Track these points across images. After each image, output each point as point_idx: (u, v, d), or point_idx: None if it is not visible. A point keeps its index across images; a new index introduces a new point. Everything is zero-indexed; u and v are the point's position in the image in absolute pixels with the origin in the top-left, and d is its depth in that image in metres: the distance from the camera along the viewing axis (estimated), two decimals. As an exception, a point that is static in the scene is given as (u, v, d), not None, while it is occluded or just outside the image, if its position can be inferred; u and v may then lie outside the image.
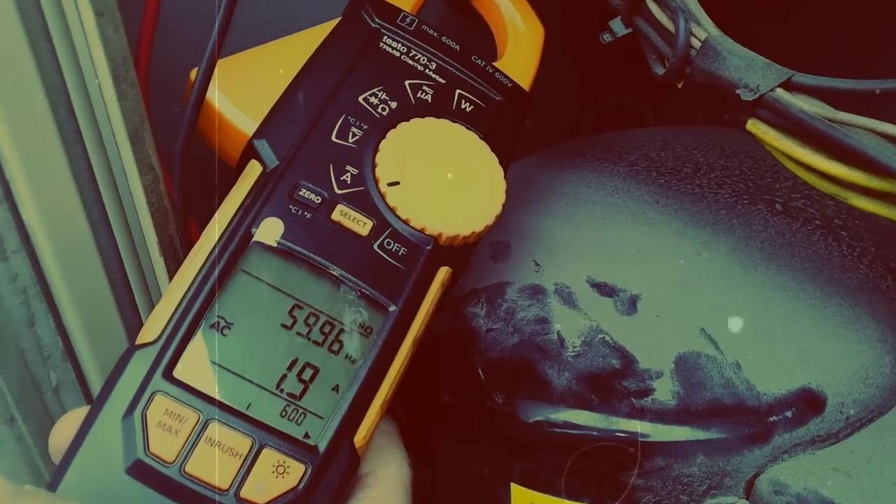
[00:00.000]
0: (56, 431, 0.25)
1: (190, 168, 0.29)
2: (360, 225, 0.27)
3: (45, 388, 0.33)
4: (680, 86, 0.30)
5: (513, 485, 0.32)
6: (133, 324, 0.34)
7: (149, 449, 0.23)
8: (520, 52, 0.35)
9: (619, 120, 0.53)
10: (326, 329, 0.26)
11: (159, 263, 0.30)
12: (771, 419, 0.29)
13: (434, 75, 0.31)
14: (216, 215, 0.27)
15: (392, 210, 0.28)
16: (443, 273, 0.28)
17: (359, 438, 0.26)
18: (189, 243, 0.27)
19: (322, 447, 0.25)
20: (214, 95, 0.29)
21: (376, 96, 0.30)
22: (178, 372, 0.25)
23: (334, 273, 0.26)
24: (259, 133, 0.28)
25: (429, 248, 0.28)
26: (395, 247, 0.27)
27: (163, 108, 0.31)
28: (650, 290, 0.33)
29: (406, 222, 0.28)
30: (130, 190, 0.29)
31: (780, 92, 0.27)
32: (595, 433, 0.30)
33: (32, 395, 0.33)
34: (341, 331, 0.26)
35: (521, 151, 0.42)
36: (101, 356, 0.34)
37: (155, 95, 0.31)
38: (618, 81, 0.51)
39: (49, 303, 0.31)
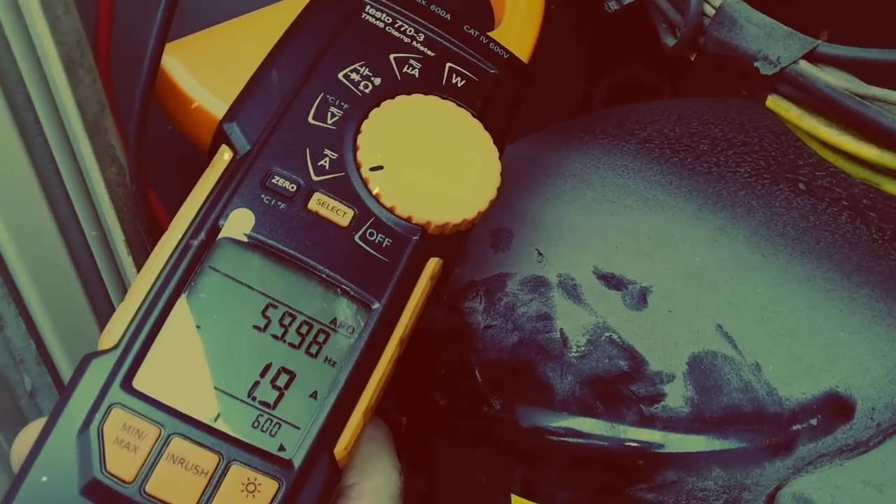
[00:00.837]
0: (18, 443, 0.24)
1: (166, 156, 0.27)
2: (340, 215, 0.26)
3: (19, 392, 0.32)
4: (693, 58, 0.28)
5: (513, 496, 0.30)
6: (109, 323, 0.32)
7: (105, 467, 0.22)
8: (518, 20, 0.33)
9: (633, 93, 0.51)
10: (303, 330, 0.24)
11: (128, 261, 0.28)
12: (794, 427, 0.27)
13: (422, 48, 0.29)
14: (183, 207, 0.26)
15: (375, 197, 0.26)
16: (432, 265, 0.26)
17: (339, 449, 0.24)
18: (157, 238, 0.25)
19: (298, 461, 0.23)
20: (181, 76, 0.27)
21: (358, 72, 0.28)
22: (138, 382, 0.23)
23: (311, 268, 0.25)
24: (229, 116, 0.27)
25: (416, 238, 0.26)
26: (378, 238, 0.26)
27: (130, 94, 0.29)
28: (661, 281, 0.31)
29: (391, 210, 0.26)
30: (93, 184, 0.27)
31: (804, 64, 0.25)
32: (600, 442, 0.28)
33: (6, 401, 0.32)
34: (320, 331, 0.24)
35: (527, 128, 0.39)
36: (77, 358, 0.32)
37: (121, 81, 0.29)
38: (632, 51, 0.48)
39: (18, 305, 0.30)
